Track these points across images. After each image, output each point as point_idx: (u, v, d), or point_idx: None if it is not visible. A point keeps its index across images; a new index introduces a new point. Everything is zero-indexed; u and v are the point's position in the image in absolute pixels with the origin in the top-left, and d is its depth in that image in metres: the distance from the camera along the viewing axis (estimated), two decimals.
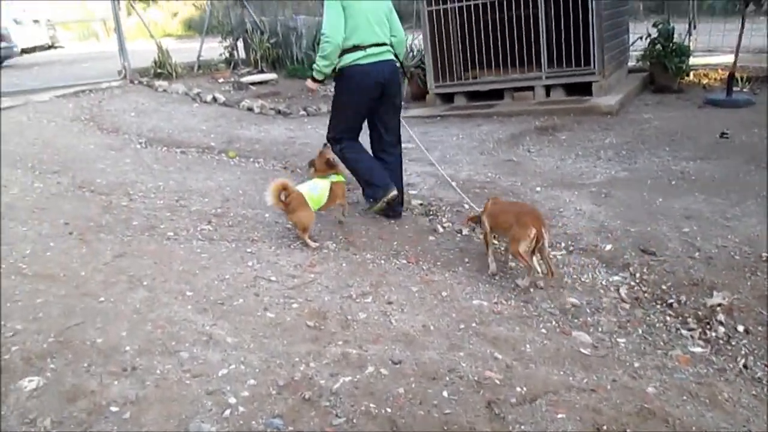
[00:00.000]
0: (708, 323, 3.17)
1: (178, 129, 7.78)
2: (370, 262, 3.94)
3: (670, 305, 3.34)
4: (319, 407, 2.47)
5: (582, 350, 2.95)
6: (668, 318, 3.25)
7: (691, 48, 8.97)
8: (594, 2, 7.57)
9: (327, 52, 4.33)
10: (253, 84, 10.76)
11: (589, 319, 3.23)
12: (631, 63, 9.66)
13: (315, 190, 4.34)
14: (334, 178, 4.44)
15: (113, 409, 2.49)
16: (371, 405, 2.48)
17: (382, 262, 3.96)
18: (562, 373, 2.75)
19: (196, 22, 23.84)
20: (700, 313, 3.25)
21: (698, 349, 3.01)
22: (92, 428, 2.39)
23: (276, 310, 3.30)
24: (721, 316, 3.18)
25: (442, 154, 6.21)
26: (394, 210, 4.64)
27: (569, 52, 7.92)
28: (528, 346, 2.96)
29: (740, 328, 3.13)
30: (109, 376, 2.75)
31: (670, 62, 8.47)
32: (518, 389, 2.62)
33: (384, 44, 4.47)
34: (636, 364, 2.85)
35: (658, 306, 3.35)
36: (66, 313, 3.28)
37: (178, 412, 2.46)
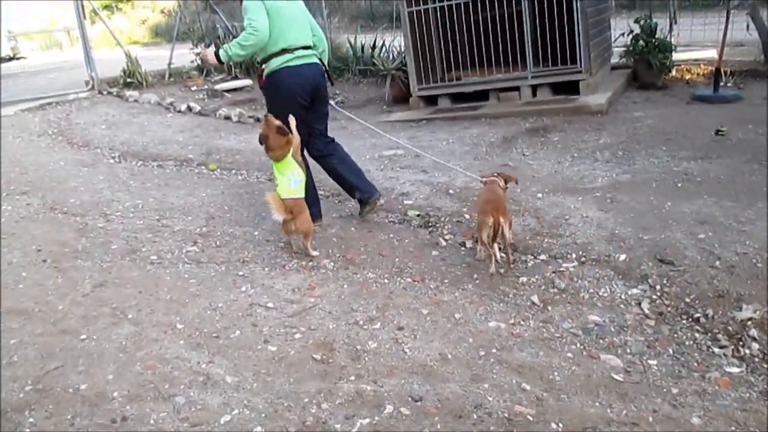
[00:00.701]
0: (740, 339, 2.97)
1: (153, 141, 7.44)
2: (373, 282, 3.68)
3: (697, 320, 3.14)
4: None
5: (614, 376, 2.73)
6: (697, 335, 3.05)
7: (674, 43, 8.86)
8: (579, 0, 7.40)
9: (249, 42, 4.19)
10: (227, 91, 10.43)
11: (615, 339, 3.02)
12: (613, 60, 9.54)
13: (295, 184, 4.03)
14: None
15: None
16: None
17: (386, 281, 3.70)
18: (598, 404, 2.53)
19: (163, 29, 23.35)
20: (730, 328, 3.05)
21: (734, 369, 2.81)
22: None
23: (277, 342, 3.03)
24: (753, 331, 2.98)
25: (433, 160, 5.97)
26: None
27: (554, 50, 7.74)
28: (556, 373, 2.74)
29: None
30: (97, 429, 2.45)
31: (654, 58, 8.34)
32: (553, 425, 2.39)
33: (310, 47, 4.41)
34: (674, 390, 2.64)
35: (684, 321, 3.15)
36: (44, 354, 2.98)
37: None
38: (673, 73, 8.82)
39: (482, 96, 8.19)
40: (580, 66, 7.59)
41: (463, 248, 4.12)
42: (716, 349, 2.94)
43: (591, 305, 3.32)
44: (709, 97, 7.51)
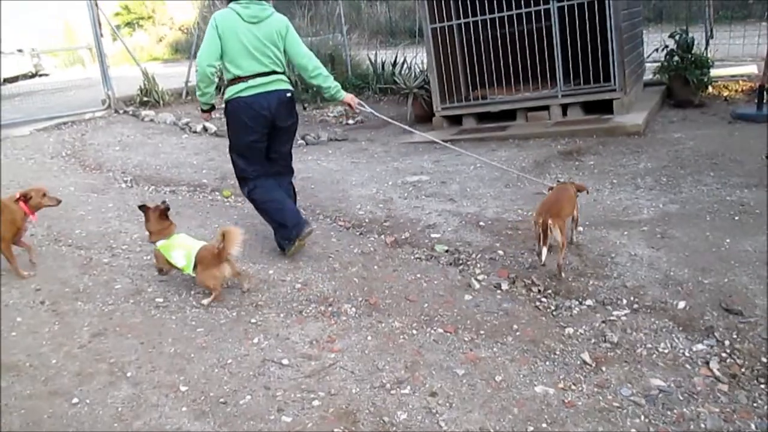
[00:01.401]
0: None
1: (167, 164, 7.14)
2: (400, 333, 3.29)
3: None
4: None
5: None
6: None
7: (711, 58, 8.41)
8: (612, 13, 7.00)
9: (197, 79, 4.19)
10: None
11: (685, 410, 2.59)
12: (646, 76, 9.11)
13: (179, 263, 3.81)
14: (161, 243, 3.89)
15: None
16: None
17: (414, 332, 3.31)
18: None
19: (183, 45, 23.28)
20: None
21: None
22: None
23: (293, 410, 2.65)
24: None
25: (461, 187, 5.59)
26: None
27: (586, 67, 7.34)
28: None
29: None
30: None
31: (691, 75, 7.90)
32: None
33: (272, 73, 4.08)
34: None
35: (764, 386, 2.72)
36: (30, 422, 2.63)
37: None
38: (710, 90, 8.37)
39: (509, 115, 7.80)
40: (614, 84, 7.18)
41: (498, 291, 3.72)
42: None
43: (651, 365, 2.90)
44: (753, 116, 7.04)
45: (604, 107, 7.33)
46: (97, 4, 10.79)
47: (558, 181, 4.30)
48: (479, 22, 7.77)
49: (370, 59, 11.08)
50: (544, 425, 2.52)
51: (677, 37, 8.07)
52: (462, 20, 7.86)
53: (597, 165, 5.87)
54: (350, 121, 9.34)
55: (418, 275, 3.97)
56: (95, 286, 4.00)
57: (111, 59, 11.50)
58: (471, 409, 2.63)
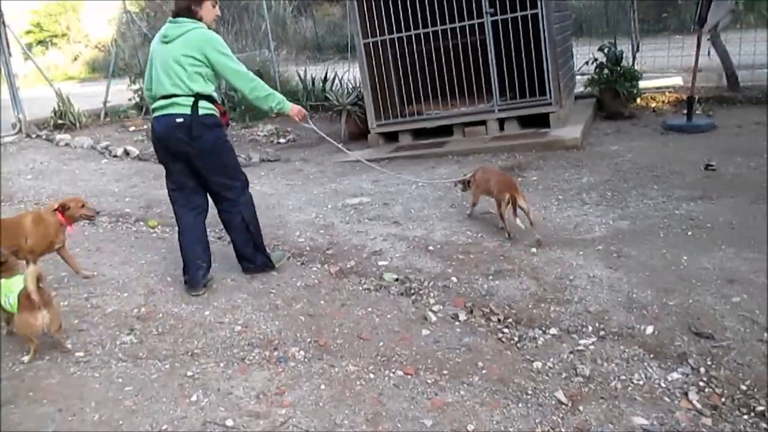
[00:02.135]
0: None
1: (85, 193, 6.56)
2: (356, 378, 2.98)
3: (762, 414, 2.56)
4: None
5: None
6: None
7: (639, 70, 8.56)
8: (546, 27, 6.97)
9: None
10: None
11: None
12: (577, 89, 9.19)
13: (6, 303, 3.29)
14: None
15: None
16: None
17: (372, 375, 3.01)
18: None
19: (101, 63, 22.25)
20: None
21: None
22: None
23: None
24: None
25: (404, 208, 5.35)
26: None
27: (521, 81, 7.27)
28: None
29: None
30: None
31: (621, 87, 7.99)
32: None
33: (173, 96, 3.79)
34: None
35: (747, 417, 2.57)
36: None
37: None
38: (639, 101, 8.51)
39: (446, 131, 7.65)
40: (550, 97, 7.14)
41: (457, 323, 3.47)
42: None
43: (629, 399, 2.71)
44: (684, 127, 7.17)
45: (540, 121, 7.28)
46: (4, 23, 10.05)
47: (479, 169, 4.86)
48: (413, 36, 7.62)
49: (299, 75, 10.76)
50: None
51: (606, 50, 8.16)
52: (395, 35, 7.66)
53: (540, 180, 5.76)
54: (282, 140, 8.97)
55: (369, 309, 3.67)
56: (6, 342, 3.49)
57: (22, 80, 10.76)
58: None
